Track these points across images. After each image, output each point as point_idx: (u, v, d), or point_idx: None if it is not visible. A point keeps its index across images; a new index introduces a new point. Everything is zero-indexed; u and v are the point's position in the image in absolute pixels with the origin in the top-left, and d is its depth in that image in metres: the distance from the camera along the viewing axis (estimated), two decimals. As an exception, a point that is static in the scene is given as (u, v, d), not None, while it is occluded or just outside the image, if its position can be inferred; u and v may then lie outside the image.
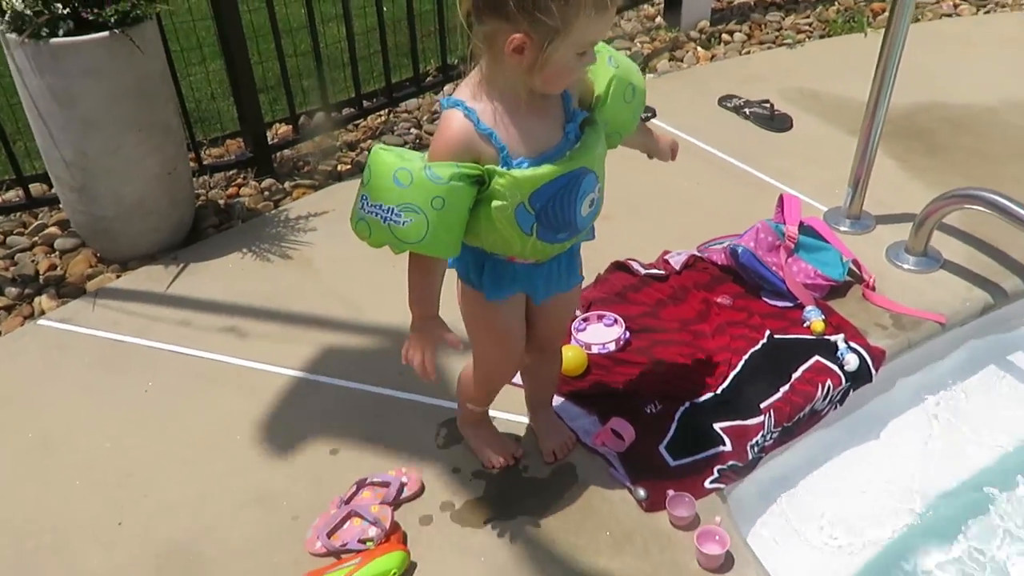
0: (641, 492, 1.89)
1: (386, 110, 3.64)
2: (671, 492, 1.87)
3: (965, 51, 3.99)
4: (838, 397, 2.18)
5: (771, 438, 2.06)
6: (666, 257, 2.59)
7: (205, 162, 3.15)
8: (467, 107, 1.44)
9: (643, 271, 2.52)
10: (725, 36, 4.24)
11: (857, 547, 2.06)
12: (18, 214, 2.96)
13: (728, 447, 1.99)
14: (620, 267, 2.55)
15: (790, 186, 2.92)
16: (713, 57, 4.07)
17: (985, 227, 2.66)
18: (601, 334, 2.29)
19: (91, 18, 2.40)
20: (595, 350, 2.24)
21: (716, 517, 1.83)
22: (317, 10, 3.23)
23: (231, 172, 3.19)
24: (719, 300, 2.41)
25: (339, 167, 3.27)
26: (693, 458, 1.97)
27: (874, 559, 2.05)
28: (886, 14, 2.67)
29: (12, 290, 2.63)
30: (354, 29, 3.33)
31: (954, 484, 2.22)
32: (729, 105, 3.52)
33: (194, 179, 2.97)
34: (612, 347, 2.25)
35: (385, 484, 1.90)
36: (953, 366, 2.47)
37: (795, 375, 2.16)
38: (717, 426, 2.03)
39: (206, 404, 2.19)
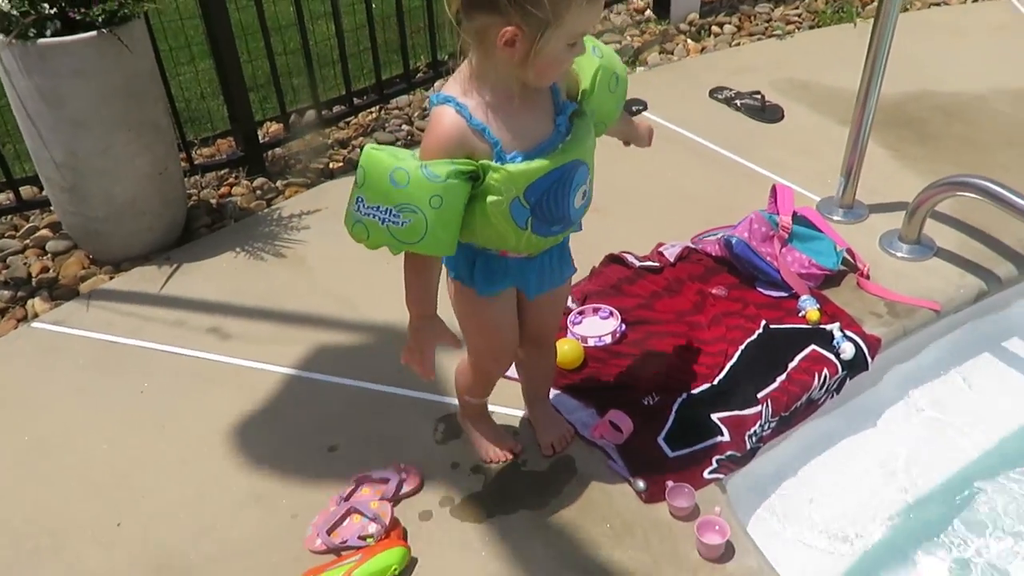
0: (640, 484, 1.89)
1: (377, 107, 3.63)
2: (670, 483, 1.87)
3: (954, 39, 4.00)
4: (835, 386, 2.18)
5: (769, 428, 2.06)
6: (660, 249, 2.59)
7: (196, 162, 3.14)
8: (458, 103, 1.43)
9: (638, 264, 2.52)
10: (715, 28, 4.24)
11: (855, 535, 2.07)
12: (9, 217, 2.94)
13: (726, 437, 1.99)
14: (614, 260, 2.55)
15: (782, 176, 2.93)
16: (703, 49, 4.07)
17: (977, 214, 2.67)
18: (597, 327, 2.29)
19: (78, 18, 2.39)
20: (591, 343, 2.24)
21: (716, 507, 1.84)
22: (306, 7, 3.22)
23: (223, 171, 3.17)
24: (714, 291, 2.41)
25: (331, 165, 3.26)
26: (691, 449, 1.97)
27: (872, 547, 2.06)
28: (875, 4, 2.67)
29: (5, 293, 2.61)
30: (343, 26, 3.32)
31: (947, 472, 2.23)
32: (720, 97, 3.53)
33: (185, 179, 2.95)
34: (608, 340, 2.25)
35: (384, 480, 1.90)
36: (946, 354, 2.48)
37: (791, 364, 2.16)
38: (715, 416, 2.03)
39: (202, 404, 2.19)
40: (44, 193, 2.78)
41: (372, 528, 1.78)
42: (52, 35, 2.35)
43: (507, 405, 2.08)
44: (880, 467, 2.22)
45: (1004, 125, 3.27)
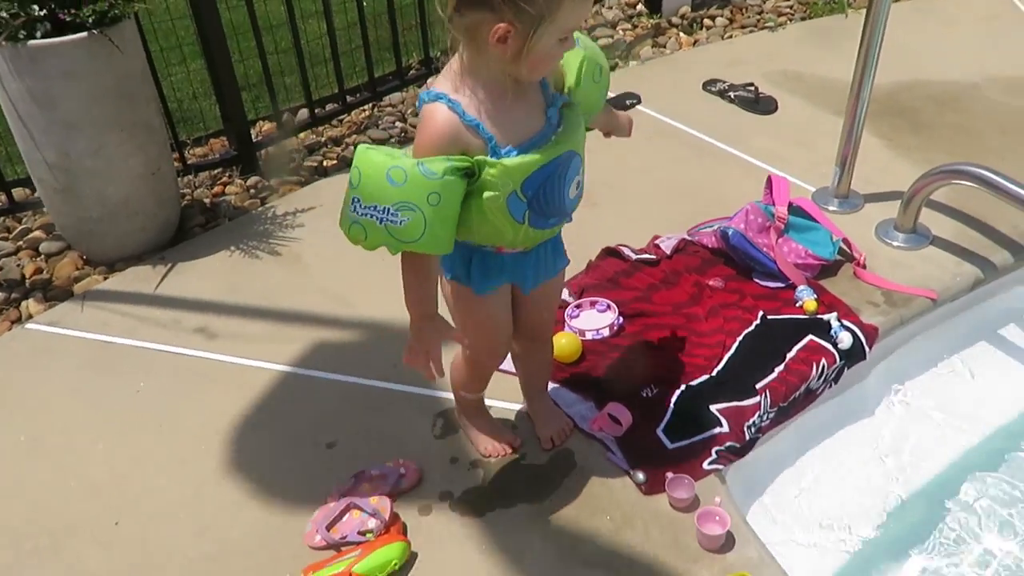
0: (640, 476, 1.89)
1: (370, 104, 3.62)
2: (670, 475, 1.87)
3: (946, 28, 4.01)
4: (833, 375, 2.18)
5: (768, 418, 2.06)
6: (657, 242, 2.59)
7: (189, 161, 3.13)
8: (450, 99, 1.42)
9: (634, 256, 2.52)
10: (707, 21, 4.24)
11: (856, 525, 2.07)
12: (1, 219, 2.93)
13: (725, 428, 1.99)
14: (611, 253, 2.55)
15: (778, 168, 2.92)
16: (696, 42, 4.07)
17: (973, 202, 2.67)
18: (594, 320, 2.29)
19: (68, 19, 2.37)
20: (589, 336, 2.24)
21: (716, 498, 1.83)
22: (297, 6, 3.21)
23: (216, 171, 3.16)
24: (711, 283, 2.41)
25: (325, 163, 3.25)
26: (691, 440, 1.97)
27: (870, 539, 2.06)
28: (867, -6, 2.66)
29: (-2, 295, 2.60)
30: (335, 24, 3.31)
31: (945, 462, 2.23)
32: (714, 89, 3.52)
33: (179, 179, 2.94)
34: (606, 333, 2.25)
35: (383, 476, 1.89)
36: (943, 342, 2.49)
37: (789, 355, 2.16)
38: (714, 408, 2.03)
39: (199, 402, 2.18)
40: (37, 195, 2.77)
41: (372, 523, 1.77)
42: (42, 37, 2.34)
43: (505, 399, 2.07)
44: (877, 458, 2.22)
45: (997, 113, 3.28)
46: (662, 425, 1.99)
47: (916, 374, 2.43)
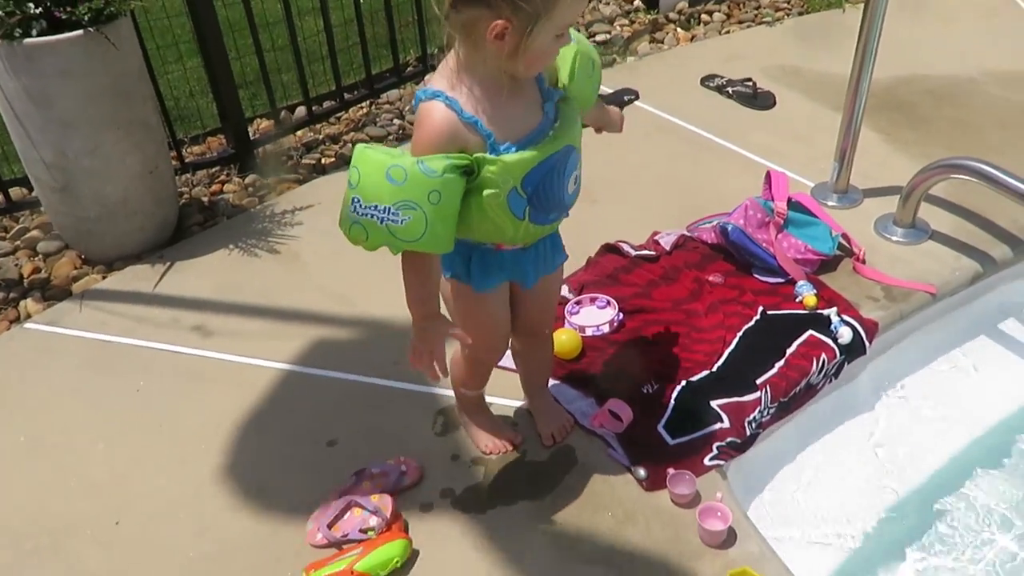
0: (641, 472, 1.88)
1: (368, 102, 3.61)
2: (671, 471, 1.87)
3: (944, 23, 4.00)
4: (833, 370, 2.18)
5: (768, 413, 2.06)
6: (656, 238, 2.59)
7: (187, 160, 3.12)
8: (448, 97, 1.42)
9: (634, 253, 2.51)
10: (704, 16, 4.23)
11: (855, 521, 2.07)
12: (-1, 218, 2.93)
13: (726, 424, 1.99)
14: (611, 249, 2.54)
15: (776, 163, 2.92)
16: (693, 38, 4.06)
17: (971, 197, 2.67)
18: (594, 316, 2.29)
19: (64, 17, 2.37)
20: (589, 332, 2.24)
21: (717, 493, 1.83)
22: (293, 3, 3.20)
23: (214, 169, 3.15)
24: (711, 279, 2.41)
25: (323, 160, 3.24)
26: (691, 436, 1.97)
27: (872, 532, 2.06)
28: (865, -12, 2.66)
29: (-4, 295, 2.60)
30: (331, 21, 3.30)
31: (945, 456, 2.24)
32: (712, 85, 3.52)
33: (176, 177, 2.94)
34: (606, 329, 2.25)
35: (384, 474, 1.89)
36: (942, 337, 2.49)
37: (790, 350, 2.16)
38: (714, 403, 2.03)
39: (199, 401, 2.17)
40: (34, 194, 2.76)
41: (373, 521, 1.77)
42: (38, 35, 2.33)
43: (506, 396, 2.07)
44: (876, 454, 2.22)
45: (995, 107, 3.28)
46: (663, 421, 1.99)
47: (915, 369, 2.43)
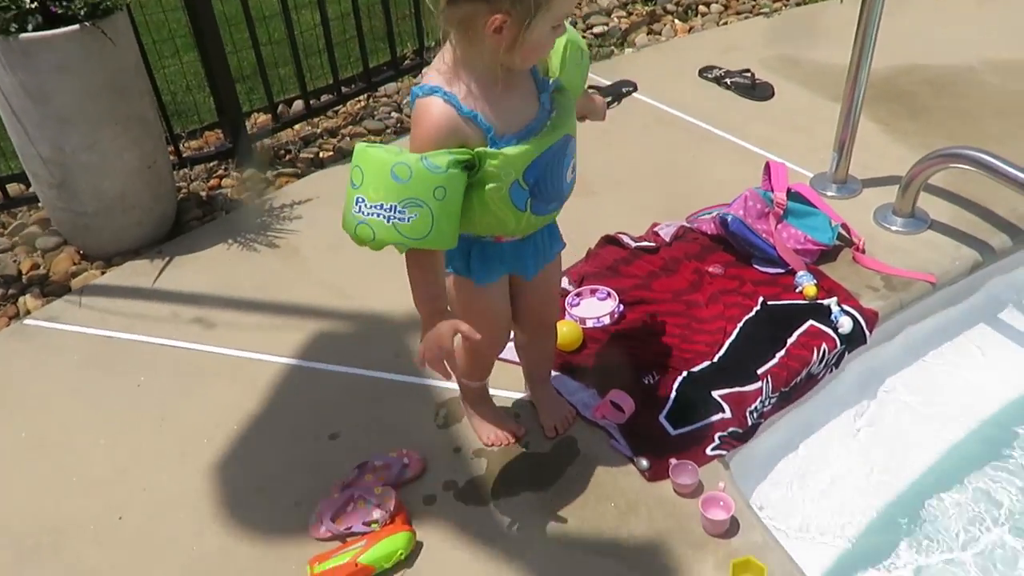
0: (644, 462, 1.89)
1: (365, 95, 3.60)
2: (673, 461, 1.87)
3: (942, 12, 4.00)
4: (833, 360, 2.18)
5: (770, 403, 2.06)
6: (656, 229, 2.58)
7: (184, 154, 3.11)
8: (446, 92, 1.41)
9: (633, 244, 2.51)
10: (702, 7, 4.23)
11: (859, 506, 2.08)
12: (-4, 215, 2.92)
13: (728, 414, 1.99)
14: (610, 241, 2.54)
15: (775, 154, 2.92)
16: (691, 29, 4.06)
17: (971, 186, 2.67)
18: (595, 308, 2.28)
19: (60, 11, 2.35)
20: (590, 324, 2.23)
21: (719, 483, 1.84)
22: (290, -4, 3.19)
23: (211, 164, 3.14)
24: (711, 269, 2.41)
25: (321, 154, 3.23)
26: (693, 426, 1.97)
27: (877, 518, 2.07)
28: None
29: (-5, 291, 2.59)
30: (328, 15, 3.29)
31: (943, 449, 2.24)
32: (710, 76, 3.51)
33: (174, 172, 2.93)
34: (607, 320, 2.24)
35: (387, 466, 1.89)
36: (940, 326, 2.49)
37: (790, 340, 2.16)
38: (716, 394, 2.03)
39: (200, 396, 2.17)
40: (31, 190, 2.75)
41: (376, 514, 1.77)
42: (34, 30, 2.32)
43: (508, 388, 2.07)
44: (877, 444, 2.23)
45: (993, 96, 3.28)
46: (664, 412, 1.99)
47: (915, 360, 2.43)
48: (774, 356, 2.12)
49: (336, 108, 3.52)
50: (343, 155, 3.17)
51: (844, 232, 2.51)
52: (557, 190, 1.55)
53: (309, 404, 2.12)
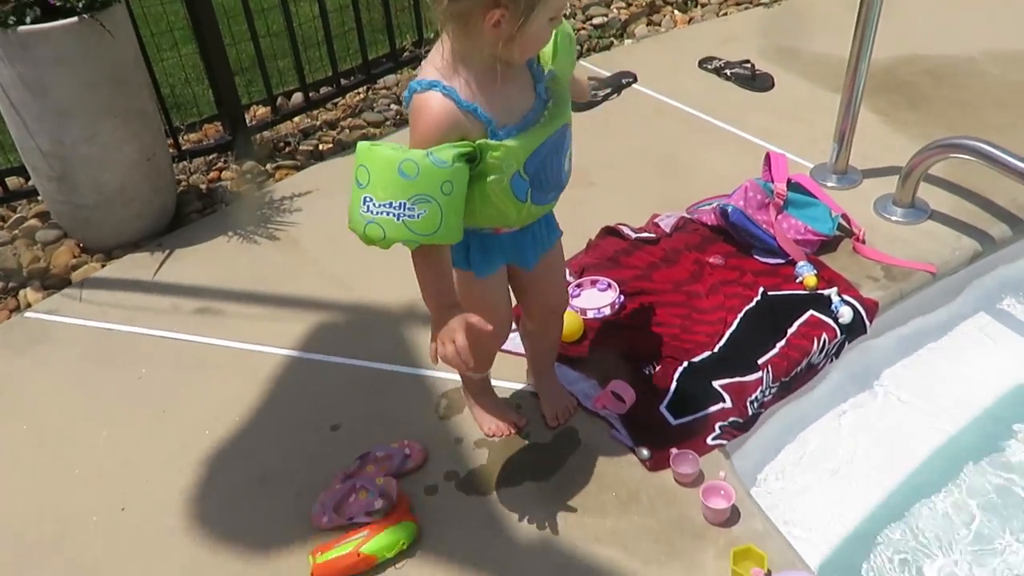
0: (644, 452, 1.89)
1: (364, 87, 3.60)
2: (674, 451, 1.87)
3: (942, 2, 3.99)
4: (834, 350, 2.19)
5: (770, 393, 2.07)
6: (656, 220, 2.58)
7: (184, 147, 3.11)
8: (445, 87, 1.41)
9: (634, 235, 2.51)
10: (702, -1, 4.22)
11: (859, 495, 2.08)
12: (-4, 208, 2.92)
13: (728, 404, 1.99)
14: (611, 232, 2.54)
15: (775, 144, 2.92)
16: (691, 20, 4.05)
17: (971, 176, 2.67)
18: (596, 299, 2.29)
19: (58, 4, 2.35)
20: (591, 315, 2.24)
21: (720, 472, 1.84)
22: (289, -12, 3.18)
23: (211, 156, 3.14)
24: (711, 260, 2.41)
25: (320, 147, 3.23)
26: (694, 416, 1.97)
27: (876, 507, 2.07)
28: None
29: (-4, 284, 2.59)
30: (327, 6, 3.29)
31: (943, 440, 2.24)
32: (710, 67, 3.51)
33: (174, 165, 2.93)
34: (607, 311, 2.25)
35: (388, 456, 1.89)
36: (940, 316, 2.49)
37: (791, 330, 2.17)
38: (716, 384, 2.03)
39: (202, 388, 2.17)
40: (31, 183, 2.75)
41: (379, 504, 1.77)
42: (32, 22, 2.32)
43: (510, 379, 2.08)
44: (877, 435, 2.23)
45: (993, 86, 3.27)
46: (665, 402, 2.00)
47: (914, 351, 2.43)
48: (774, 346, 2.13)
49: (335, 100, 3.52)
50: (342, 147, 3.17)
51: (844, 222, 2.51)
52: (556, 179, 1.56)
53: (310, 395, 2.13)
